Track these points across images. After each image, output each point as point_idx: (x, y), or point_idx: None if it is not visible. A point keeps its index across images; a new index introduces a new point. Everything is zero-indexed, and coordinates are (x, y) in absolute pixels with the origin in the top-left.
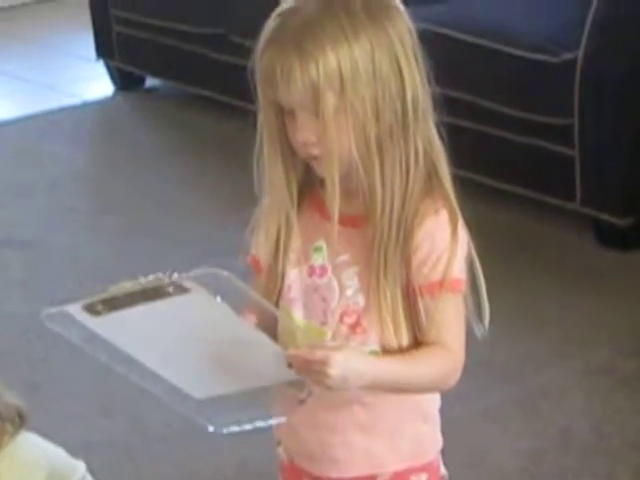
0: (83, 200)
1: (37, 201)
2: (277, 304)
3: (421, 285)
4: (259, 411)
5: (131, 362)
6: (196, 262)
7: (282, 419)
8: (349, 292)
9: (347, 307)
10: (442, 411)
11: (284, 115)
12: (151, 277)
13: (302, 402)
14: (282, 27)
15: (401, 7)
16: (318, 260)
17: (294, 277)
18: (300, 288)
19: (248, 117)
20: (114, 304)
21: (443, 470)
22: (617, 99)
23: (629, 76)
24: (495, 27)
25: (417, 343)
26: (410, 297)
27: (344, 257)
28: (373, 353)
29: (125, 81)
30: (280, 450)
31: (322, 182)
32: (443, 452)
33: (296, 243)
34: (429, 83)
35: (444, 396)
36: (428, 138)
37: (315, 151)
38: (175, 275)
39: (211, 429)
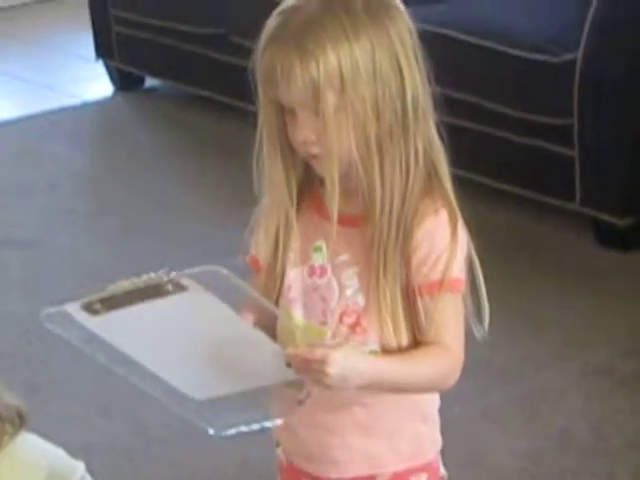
0: (83, 200)
1: (37, 201)
2: (276, 304)
3: (420, 285)
4: (258, 412)
5: (130, 363)
6: (196, 262)
7: (281, 420)
8: (349, 292)
9: (347, 307)
10: (441, 411)
11: (284, 114)
12: (150, 275)
13: (301, 403)
14: (283, 26)
15: (401, 7)
16: (318, 260)
17: (294, 277)
18: (300, 288)
19: (248, 117)
20: (113, 303)
21: (442, 470)
22: (617, 99)
23: (629, 76)
24: (494, 27)
25: (417, 343)
26: (410, 297)
27: (344, 257)
28: (373, 353)
29: (125, 81)
30: (279, 451)
31: (322, 182)
32: (442, 452)
33: (296, 243)
34: (429, 83)
35: (443, 396)
36: (428, 138)
37: (315, 150)
38: (173, 273)
39: (211, 432)
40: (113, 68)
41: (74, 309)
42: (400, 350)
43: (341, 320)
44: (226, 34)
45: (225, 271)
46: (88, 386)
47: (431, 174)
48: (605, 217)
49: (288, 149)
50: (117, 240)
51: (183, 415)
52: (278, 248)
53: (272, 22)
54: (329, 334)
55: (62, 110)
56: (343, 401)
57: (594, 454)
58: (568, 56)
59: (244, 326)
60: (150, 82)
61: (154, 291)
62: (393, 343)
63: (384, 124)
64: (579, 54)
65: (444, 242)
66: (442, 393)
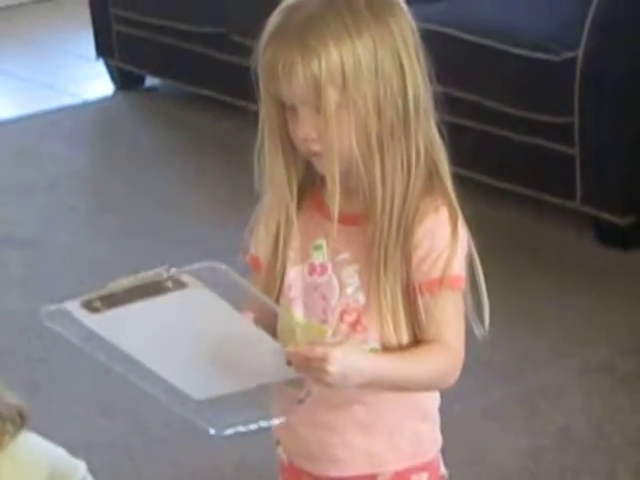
0: (83, 199)
1: (37, 200)
2: (277, 303)
3: (421, 282)
4: (258, 412)
5: (130, 361)
6: (196, 261)
7: (281, 419)
8: (349, 290)
9: (347, 305)
10: (442, 409)
11: (285, 111)
12: (149, 272)
13: (301, 402)
14: (285, 22)
15: (404, 6)
16: (318, 258)
17: (294, 276)
18: (300, 287)
19: (248, 116)
20: (112, 301)
21: (443, 469)
22: (617, 98)
23: (629, 75)
24: (495, 26)
25: (417, 341)
26: (410, 295)
27: (344, 255)
28: (373, 351)
29: (125, 80)
30: (279, 450)
31: (322, 180)
32: (443, 450)
33: (296, 242)
34: (430, 82)
35: (444, 394)
36: (429, 137)
37: (315, 147)
38: (173, 270)
39: (212, 432)
40: (113, 67)
41: (74, 307)
42: (400, 348)
43: (342, 318)
44: (226, 33)
45: (224, 267)
46: (88, 385)
47: (432, 173)
48: (606, 216)
49: (289, 146)
50: (117, 239)
51: (183, 414)
52: (278, 246)
53: (274, 19)
54: (329, 332)
55: (62, 109)
56: (343, 400)
57: (595, 452)
58: (569, 54)
59: (244, 324)
60: (150, 81)
61: (154, 288)
62: (394, 341)
63: (385, 122)
64: (580, 52)
65: (445, 240)
66: (442, 391)
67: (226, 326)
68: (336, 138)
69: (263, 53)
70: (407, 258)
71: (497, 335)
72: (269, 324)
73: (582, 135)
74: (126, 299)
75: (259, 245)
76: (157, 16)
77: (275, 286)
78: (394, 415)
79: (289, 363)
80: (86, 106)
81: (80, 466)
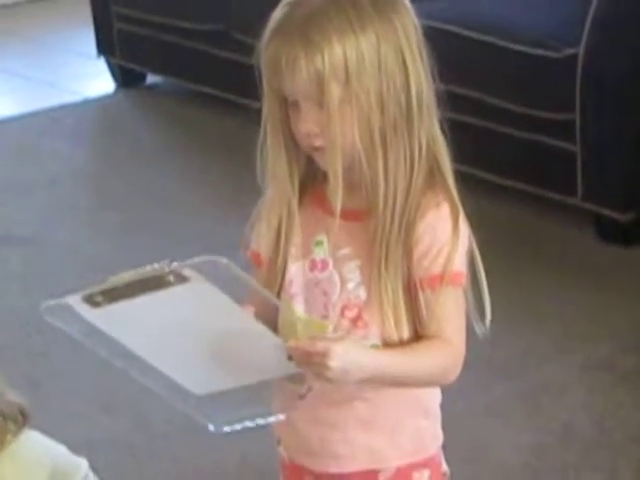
0: (83, 197)
1: (37, 198)
2: (278, 298)
3: (422, 278)
4: (259, 408)
5: (131, 357)
6: None
7: (282, 416)
8: (350, 285)
9: (348, 301)
10: (444, 406)
11: (288, 106)
12: (151, 267)
13: (302, 397)
14: (288, 18)
15: (407, 3)
16: (319, 254)
17: (295, 271)
18: (301, 283)
19: (250, 114)
20: (114, 295)
21: (445, 467)
22: (619, 94)
23: (630, 71)
24: (496, 23)
25: (418, 337)
26: (411, 291)
27: (345, 251)
28: (374, 347)
29: (126, 78)
30: (281, 449)
31: (324, 176)
32: (445, 447)
33: (297, 237)
34: (433, 80)
35: (446, 391)
36: (431, 133)
37: (318, 142)
38: (175, 264)
39: (211, 428)
40: (114, 65)
41: (75, 301)
42: (401, 344)
43: (342, 314)
44: (227, 30)
45: (225, 260)
46: (90, 382)
47: (433, 169)
48: (607, 212)
49: (292, 142)
50: (118, 237)
51: (184, 410)
52: (280, 241)
53: (277, 14)
54: (331, 328)
55: (63, 107)
56: (344, 396)
57: (596, 448)
58: (570, 51)
59: (246, 318)
60: (151, 79)
61: (156, 282)
62: (394, 337)
63: (388, 117)
64: (581, 49)
65: (446, 235)
66: (444, 388)
67: (227, 320)
68: (339, 133)
69: (266, 48)
70: (408, 253)
71: (498, 332)
72: (270, 319)
73: (583, 132)
74: (128, 293)
75: (261, 241)
76: (158, 14)
77: (276, 282)
78: (395, 411)
79: (290, 358)
80: (87, 104)
81: (82, 464)
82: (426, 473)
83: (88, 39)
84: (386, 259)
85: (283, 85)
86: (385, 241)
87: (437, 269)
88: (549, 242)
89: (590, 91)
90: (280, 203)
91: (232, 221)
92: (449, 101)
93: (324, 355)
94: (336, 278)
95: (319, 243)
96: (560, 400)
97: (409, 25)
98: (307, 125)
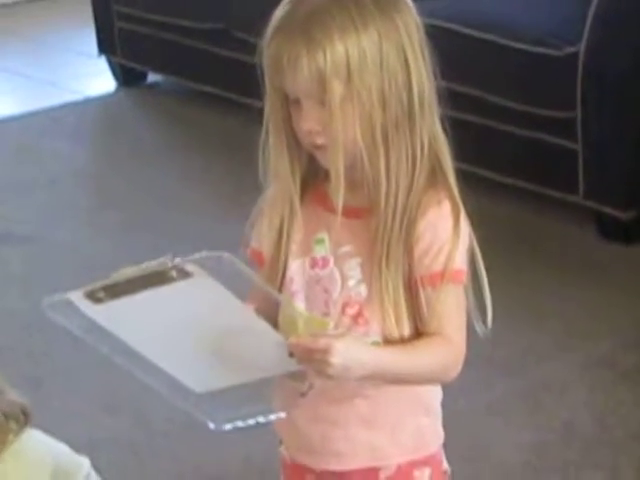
0: (84, 196)
1: (37, 197)
2: None
3: (423, 276)
4: (260, 406)
5: (132, 354)
6: None
7: (283, 414)
8: (351, 282)
9: (349, 298)
10: (445, 405)
11: (289, 104)
12: (154, 262)
13: (303, 395)
14: (290, 15)
15: (409, 2)
16: (320, 252)
17: (296, 269)
18: (302, 280)
19: (251, 113)
20: (116, 291)
21: (446, 465)
22: (619, 92)
23: (632, 69)
24: (497, 21)
25: (419, 334)
26: (412, 288)
27: (346, 248)
28: (375, 344)
29: (127, 77)
30: (282, 449)
31: (325, 174)
32: (446, 446)
33: (298, 235)
34: (435, 78)
35: (447, 390)
36: (433, 132)
37: (319, 140)
38: (177, 259)
39: (212, 426)
40: (115, 64)
41: (77, 297)
42: (402, 341)
43: (343, 311)
44: (228, 29)
45: (228, 255)
46: (91, 380)
47: (435, 167)
48: (608, 210)
49: (293, 140)
50: (118, 236)
51: (184, 408)
52: (282, 239)
53: (279, 12)
54: (332, 325)
55: (64, 106)
56: (345, 394)
57: (598, 446)
58: (571, 49)
59: (248, 315)
60: (152, 78)
61: (158, 278)
62: (395, 334)
63: (390, 115)
64: (582, 47)
65: (446, 233)
66: (445, 386)
67: (229, 317)
68: (341, 131)
69: (268, 46)
70: (409, 251)
71: (499, 330)
72: (270, 316)
73: (584, 129)
74: (130, 289)
75: (262, 239)
76: (159, 12)
77: (277, 280)
78: (396, 409)
79: (291, 355)
80: (88, 103)
81: (84, 462)
82: (427, 471)
83: (89, 38)
84: (387, 257)
85: (285, 83)
86: (387, 239)
87: (438, 267)
88: (550, 240)
89: (591, 89)
90: (282, 201)
91: (233, 220)
92: (450, 99)
93: (325, 352)
94: (337, 275)
95: (320, 241)
96: (561, 398)
97: (411, 23)
98: (309, 123)
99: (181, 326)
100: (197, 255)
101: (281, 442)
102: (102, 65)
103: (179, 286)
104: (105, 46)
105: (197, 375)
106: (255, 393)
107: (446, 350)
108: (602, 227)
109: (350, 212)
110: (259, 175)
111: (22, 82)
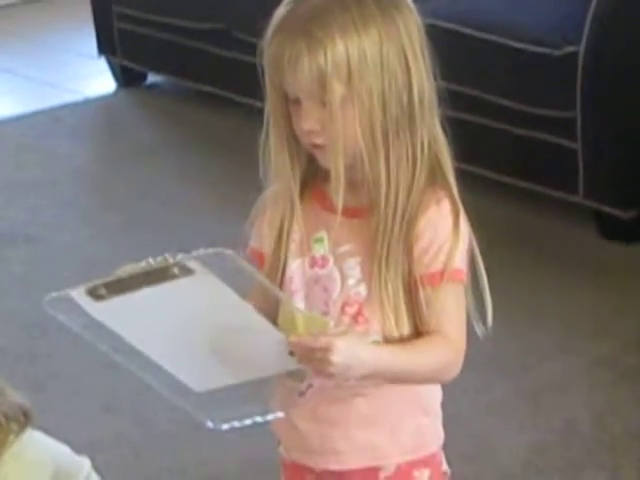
0: (84, 196)
1: (38, 197)
2: None
3: (422, 275)
4: (258, 406)
5: (132, 352)
6: None
7: (281, 413)
8: (351, 282)
9: (348, 297)
10: (445, 405)
11: (289, 104)
12: (156, 259)
13: (302, 394)
14: (292, 14)
15: (410, 3)
16: (319, 251)
17: (295, 268)
18: (302, 280)
19: (250, 113)
20: (118, 287)
21: (445, 466)
22: (619, 92)
23: (631, 69)
24: (496, 20)
25: (418, 334)
26: (412, 288)
27: (346, 247)
28: (375, 343)
29: (127, 77)
30: (281, 449)
31: (325, 174)
32: (446, 446)
33: (297, 234)
34: (435, 79)
35: (448, 390)
36: (433, 132)
37: (319, 140)
38: (179, 256)
39: (210, 425)
40: (115, 64)
41: (78, 294)
42: (402, 340)
43: (343, 310)
44: (228, 29)
45: (230, 252)
46: (92, 381)
47: (435, 167)
48: (608, 210)
49: (294, 139)
50: (118, 236)
51: (183, 407)
52: (282, 237)
53: (281, 11)
54: (332, 324)
55: (64, 107)
56: (345, 393)
57: (598, 446)
58: (570, 48)
59: (249, 312)
60: (152, 78)
61: (160, 275)
62: (395, 333)
63: (390, 116)
64: (581, 47)
65: (446, 232)
66: (445, 386)
67: (231, 315)
68: (340, 131)
69: (268, 46)
70: (409, 250)
71: (499, 330)
72: (270, 314)
73: (584, 129)
74: (132, 286)
75: (262, 238)
76: (159, 13)
77: (277, 279)
78: (396, 409)
79: (292, 353)
80: (88, 103)
81: (85, 463)
82: (426, 472)
83: (89, 39)
84: (387, 256)
85: (285, 82)
86: (387, 239)
87: (437, 266)
88: (550, 240)
89: (591, 88)
90: (283, 200)
91: (232, 220)
92: (449, 99)
93: (326, 350)
94: (336, 275)
95: (319, 240)
96: (561, 398)
97: (412, 24)
98: (308, 123)
99: (182, 323)
100: (199, 252)
101: (279, 442)
102: (102, 66)
103: (181, 283)
104: (105, 47)
105: (197, 374)
106: (254, 393)
107: (446, 349)
108: (602, 227)
109: (349, 211)
110: (259, 175)
111: (22, 82)
